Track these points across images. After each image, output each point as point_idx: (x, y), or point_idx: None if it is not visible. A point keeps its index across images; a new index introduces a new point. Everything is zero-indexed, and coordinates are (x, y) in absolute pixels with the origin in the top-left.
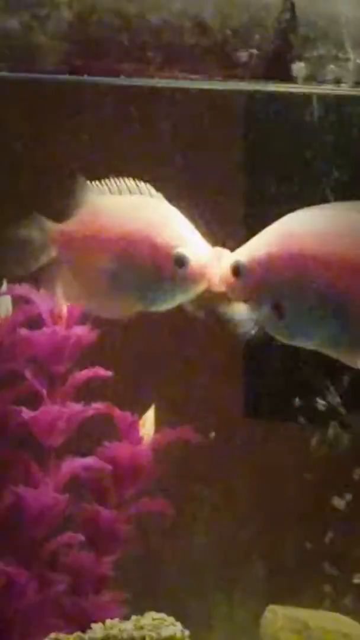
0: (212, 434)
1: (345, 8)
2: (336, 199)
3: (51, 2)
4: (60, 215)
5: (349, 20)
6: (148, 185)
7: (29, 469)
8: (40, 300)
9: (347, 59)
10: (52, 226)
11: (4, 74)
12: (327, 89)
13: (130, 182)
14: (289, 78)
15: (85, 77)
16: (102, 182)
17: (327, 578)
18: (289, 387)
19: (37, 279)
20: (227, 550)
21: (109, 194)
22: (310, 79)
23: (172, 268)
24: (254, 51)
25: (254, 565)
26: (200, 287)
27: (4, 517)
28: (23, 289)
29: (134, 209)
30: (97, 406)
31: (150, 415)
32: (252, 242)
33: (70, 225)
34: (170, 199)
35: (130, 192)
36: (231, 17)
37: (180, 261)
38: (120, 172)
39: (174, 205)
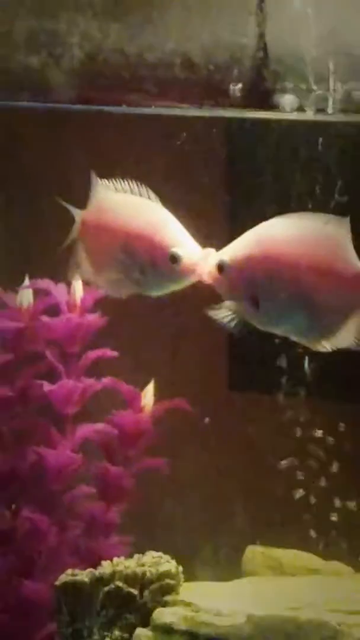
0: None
1: (309, 48)
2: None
3: (64, 43)
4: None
5: (312, 58)
6: (148, 189)
7: (49, 433)
8: (58, 292)
9: (311, 90)
10: (77, 212)
11: (26, 103)
12: (291, 115)
13: (134, 185)
14: (262, 106)
15: (93, 107)
16: (112, 181)
17: (302, 525)
18: (270, 361)
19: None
20: (214, 502)
21: (118, 192)
22: (279, 107)
23: (167, 264)
24: (234, 84)
25: (236, 514)
26: (190, 281)
27: (28, 473)
28: (43, 283)
29: (137, 208)
30: (106, 381)
31: (150, 389)
32: (234, 243)
33: (86, 214)
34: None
35: (133, 193)
36: (214, 55)
37: (175, 259)
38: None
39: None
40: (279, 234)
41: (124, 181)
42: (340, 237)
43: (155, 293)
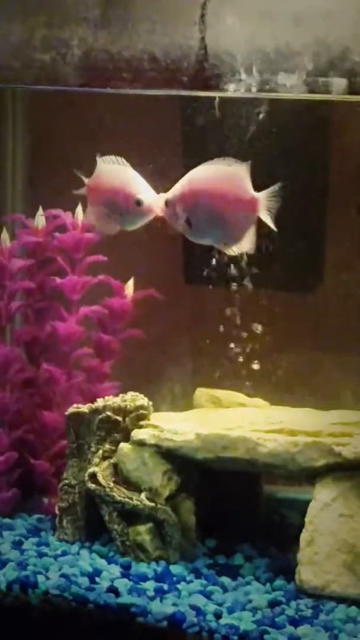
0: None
1: (237, 48)
2: None
3: (68, 44)
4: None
5: (239, 55)
6: (123, 159)
7: (60, 312)
8: (65, 216)
9: (240, 80)
10: (85, 179)
11: (45, 87)
12: (228, 93)
13: (116, 157)
14: (204, 88)
15: (87, 89)
16: (106, 156)
17: (235, 375)
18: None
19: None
20: (176, 360)
21: (107, 163)
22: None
23: (134, 207)
24: (184, 73)
25: (190, 367)
26: (151, 217)
27: (46, 339)
28: (55, 211)
29: (116, 172)
30: (101, 277)
31: (130, 283)
32: (175, 186)
33: (90, 181)
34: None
35: (114, 163)
36: (170, 53)
37: (139, 202)
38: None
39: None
40: (201, 176)
41: (111, 154)
42: (241, 174)
43: (130, 228)
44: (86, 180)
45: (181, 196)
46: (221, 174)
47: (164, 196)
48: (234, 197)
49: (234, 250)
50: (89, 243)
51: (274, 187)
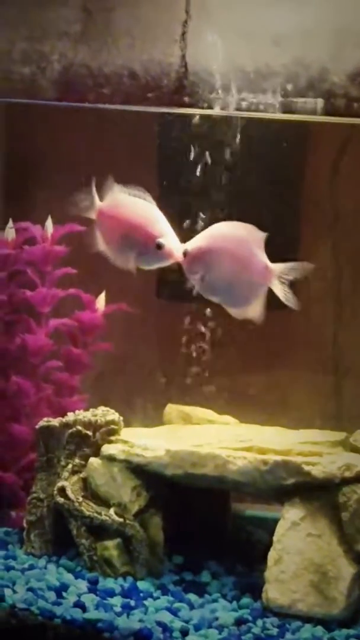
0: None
1: (216, 66)
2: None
3: (48, 59)
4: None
5: (218, 73)
6: (147, 193)
7: (29, 324)
8: (35, 230)
9: (218, 98)
10: (98, 202)
11: (23, 100)
12: (206, 111)
13: (140, 190)
14: (183, 105)
15: (65, 103)
16: (125, 186)
17: (204, 390)
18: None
19: None
20: (146, 374)
21: (127, 194)
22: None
23: (154, 249)
24: (163, 89)
25: (160, 383)
26: (169, 263)
27: (16, 353)
28: (25, 224)
29: (138, 207)
30: (72, 291)
31: (102, 296)
32: (195, 238)
33: (104, 205)
34: None
35: (137, 196)
36: (150, 70)
37: (159, 246)
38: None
39: None
40: (221, 235)
41: (133, 186)
42: (257, 242)
43: (146, 267)
44: (98, 204)
45: (199, 251)
46: (240, 239)
47: (184, 246)
48: (248, 264)
49: (240, 315)
50: (58, 256)
51: (293, 263)
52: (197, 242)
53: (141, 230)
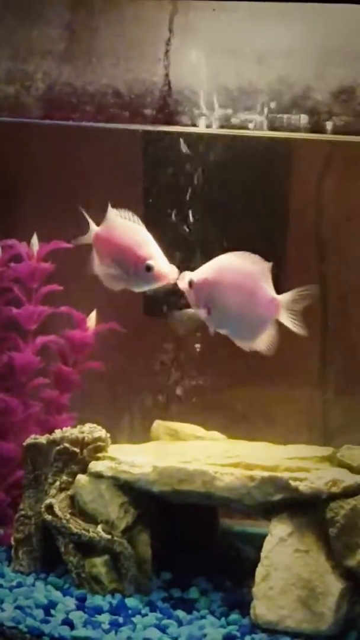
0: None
1: (199, 84)
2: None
3: (32, 77)
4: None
5: (204, 91)
6: (136, 217)
7: (17, 342)
8: (21, 247)
9: (202, 114)
10: (94, 227)
11: (7, 119)
12: (188, 129)
13: (129, 214)
14: (169, 123)
15: (50, 121)
16: (118, 209)
17: (191, 406)
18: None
19: None
20: (134, 391)
21: (119, 217)
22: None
23: (143, 271)
24: (149, 108)
25: (147, 400)
26: (159, 284)
27: (3, 369)
28: (11, 241)
29: (129, 230)
30: (64, 309)
31: (93, 315)
32: (201, 268)
33: (100, 230)
34: None
35: (128, 219)
36: (134, 88)
37: (149, 268)
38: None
39: None
40: (225, 267)
41: (123, 210)
42: (263, 273)
43: (136, 290)
44: (95, 229)
45: (204, 282)
46: (246, 271)
47: (189, 275)
48: (254, 297)
49: (247, 347)
50: (45, 273)
51: (298, 290)
52: (203, 273)
53: (130, 253)
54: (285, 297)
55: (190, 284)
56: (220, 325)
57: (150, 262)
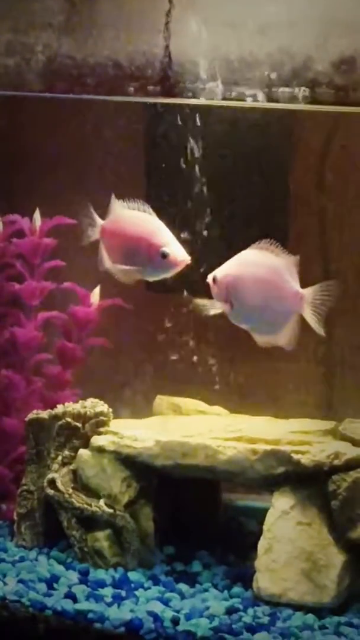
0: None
1: (200, 56)
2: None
3: (32, 50)
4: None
5: (203, 63)
6: (148, 206)
7: (19, 317)
8: (23, 222)
9: (203, 88)
10: (99, 221)
11: (7, 92)
12: (188, 100)
13: (139, 203)
14: (167, 95)
15: (50, 94)
16: (125, 200)
17: (194, 381)
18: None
19: None
20: (137, 367)
21: (127, 209)
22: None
23: (159, 259)
24: (148, 79)
25: (150, 375)
26: (176, 271)
27: (5, 345)
28: (13, 217)
29: (140, 220)
30: (67, 284)
31: (96, 291)
32: (225, 264)
33: (106, 223)
34: None
35: (137, 209)
36: (135, 60)
37: (164, 255)
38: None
39: None
40: (250, 261)
41: (132, 201)
42: (288, 266)
43: (152, 279)
44: (100, 223)
45: (227, 277)
46: (270, 265)
47: (214, 272)
48: (277, 290)
49: (269, 343)
50: (47, 248)
51: (323, 284)
52: (226, 269)
53: (144, 242)
54: (309, 291)
55: (214, 279)
56: (243, 320)
57: (165, 249)
